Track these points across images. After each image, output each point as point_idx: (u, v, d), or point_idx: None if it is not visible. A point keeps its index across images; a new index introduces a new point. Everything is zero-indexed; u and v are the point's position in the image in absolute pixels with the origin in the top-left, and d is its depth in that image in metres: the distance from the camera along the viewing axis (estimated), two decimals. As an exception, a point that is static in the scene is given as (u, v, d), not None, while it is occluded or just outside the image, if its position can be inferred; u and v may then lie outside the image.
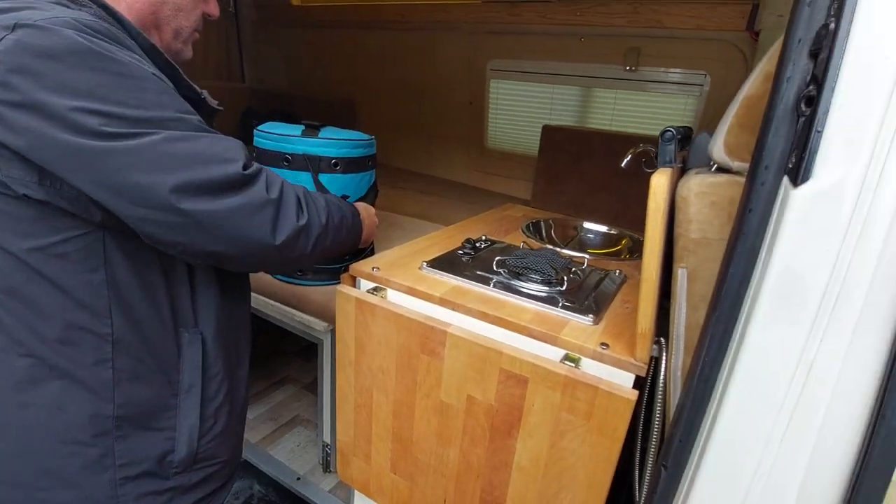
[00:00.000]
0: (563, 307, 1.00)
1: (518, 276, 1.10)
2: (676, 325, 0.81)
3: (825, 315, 0.52)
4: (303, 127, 1.23)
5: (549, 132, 2.02)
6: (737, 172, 0.75)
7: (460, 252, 1.26)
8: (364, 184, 1.29)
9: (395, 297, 1.12)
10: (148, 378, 0.77)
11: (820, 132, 0.50)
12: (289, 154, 1.19)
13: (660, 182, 0.76)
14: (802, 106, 0.52)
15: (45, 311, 0.69)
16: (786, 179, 0.53)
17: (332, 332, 1.30)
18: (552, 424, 0.91)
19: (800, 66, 0.52)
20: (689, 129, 1.09)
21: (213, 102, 0.82)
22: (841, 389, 0.53)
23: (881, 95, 0.47)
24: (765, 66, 0.72)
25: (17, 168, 0.63)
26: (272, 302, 1.47)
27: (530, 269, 1.09)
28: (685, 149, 1.01)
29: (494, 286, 1.08)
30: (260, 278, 1.44)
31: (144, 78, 0.65)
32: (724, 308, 0.59)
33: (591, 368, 0.89)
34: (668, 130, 0.88)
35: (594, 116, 2.14)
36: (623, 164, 1.35)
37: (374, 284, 1.15)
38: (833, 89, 0.49)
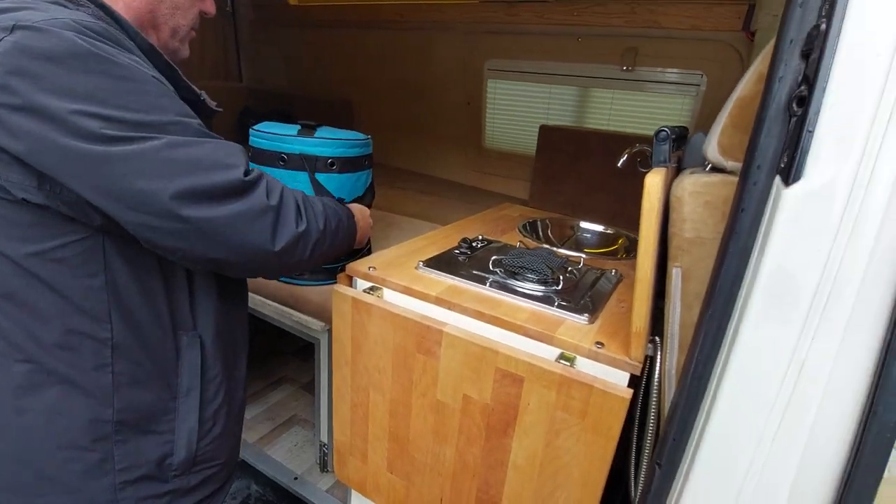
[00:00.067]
0: (559, 306, 1.01)
1: (514, 275, 1.11)
2: (671, 323, 0.82)
3: (817, 313, 0.52)
4: (299, 127, 1.23)
5: (546, 132, 2.02)
6: (731, 172, 0.75)
7: (457, 251, 1.27)
8: (361, 184, 1.29)
9: (391, 297, 1.12)
10: (147, 382, 0.77)
11: (811, 132, 0.50)
12: (285, 154, 1.19)
13: (653, 182, 0.77)
14: (794, 106, 0.52)
15: (43, 316, 0.68)
16: (778, 179, 0.54)
17: (330, 331, 1.30)
18: (547, 423, 0.91)
19: (791, 67, 0.53)
20: (685, 128, 1.09)
21: (212, 104, 0.82)
22: (832, 387, 0.53)
23: (871, 96, 0.47)
24: (758, 67, 0.73)
25: (15, 172, 0.62)
26: (270, 302, 1.47)
27: (526, 269, 1.09)
28: (681, 149, 1.01)
29: (490, 285, 1.08)
30: (257, 278, 1.44)
31: (145, 81, 0.65)
32: (718, 306, 0.59)
33: (587, 367, 0.90)
34: (663, 130, 0.88)
35: (591, 116, 2.14)
36: (619, 164, 1.35)
37: (370, 284, 1.15)
38: (824, 89, 0.49)
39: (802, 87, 0.51)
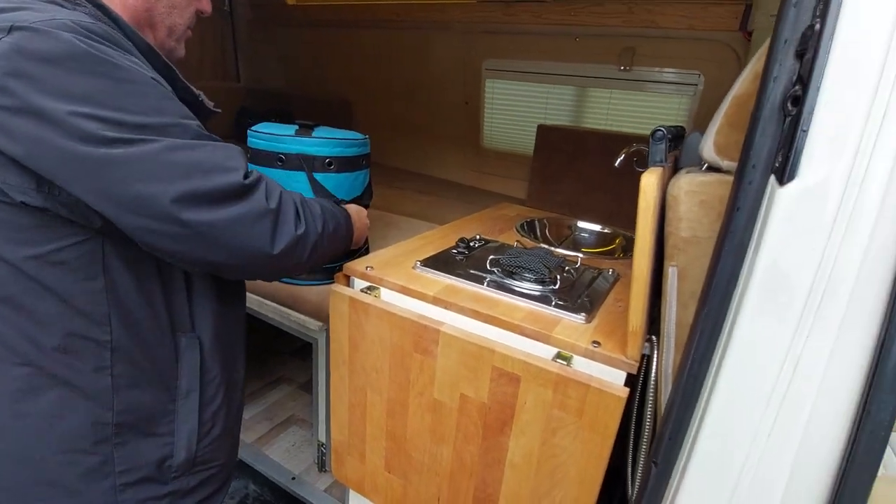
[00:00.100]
0: (556, 306, 1.01)
1: (511, 274, 1.11)
2: (667, 322, 0.82)
3: (811, 312, 0.52)
4: (296, 127, 1.23)
5: (544, 132, 2.02)
6: (726, 171, 0.75)
7: (454, 251, 1.27)
8: (359, 183, 1.29)
9: (388, 297, 1.12)
10: (146, 384, 0.76)
11: (805, 131, 0.50)
12: (283, 154, 1.19)
13: (649, 181, 0.77)
14: (789, 105, 0.52)
15: (43, 320, 0.68)
16: (772, 178, 0.54)
17: (327, 331, 1.30)
18: (544, 422, 0.92)
19: (786, 66, 0.53)
20: (682, 128, 1.10)
21: (210, 104, 0.81)
22: (827, 386, 0.53)
23: (865, 95, 0.48)
24: (754, 66, 0.73)
25: (14, 175, 0.61)
26: (268, 301, 1.47)
27: (524, 268, 1.09)
28: (678, 148, 1.01)
29: (488, 285, 1.08)
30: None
31: (144, 83, 0.64)
32: (713, 305, 0.59)
33: (583, 366, 0.90)
34: (659, 130, 0.89)
35: (589, 116, 2.15)
36: (617, 164, 1.36)
37: (367, 284, 1.15)
38: (818, 89, 0.49)
39: (797, 87, 0.51)
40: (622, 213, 1.71)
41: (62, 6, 0.65)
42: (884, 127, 0.48)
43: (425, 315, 1.04)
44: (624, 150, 1.34)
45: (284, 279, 1.42)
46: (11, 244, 0.65)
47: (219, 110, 0.84)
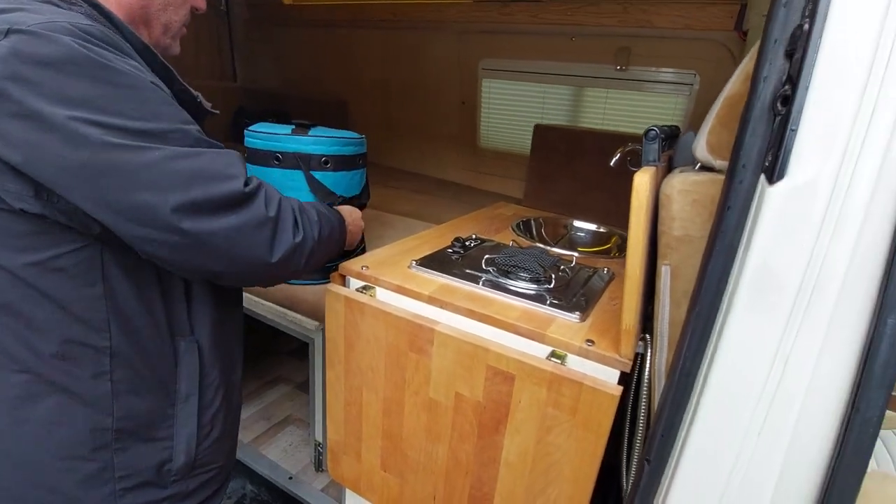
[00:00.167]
0: (551, 305, 1.01)
1: (506, 274, 1.11)
2: (660, 321, 0.82)
3: (800, 310, 0.53)
4: (293, 126, 1.23)
5: (541, 131, 2.02)
6: (719, 171, 0.76)
7: (450, 251, 1.27)
8: (356, 182, 1.29)
9: (384, 296, 1.12)
10: (146, 389, 0.76)
11: (794, 131, 0.50)
12: (279, 153, 1.20)
13: (642, 180, 0.77)
14: (778, 105, 0.53)
15: (41, 327, 0.67)
16: (762, 177, 0.54)
17: (323, 331, 1.30)
18: (538, 420, 0.92)
19: (776, 66, 0.53)
20: (677, 127, 1.10)
21: (208, 105, 0.81)
22: (816, 384, 0.54)
23: (853, 94, 0.48)
24: (746, 66, 0.73)
25: (12, 181, 0.60)
26: (264, 302, 1.47)
27: (519, 268, 1.10)
28: (672, 148, 1.02)
29: (483, 284, 1.08)
30: (251, 277, 1.44)
31: (144, 88, 0.64)
32: (705, 304, 0.60)
33: (577, 365, 0.90)
34: (652, 130, 0.89)
35: (586, 116, 2.15)
36: (612, 163, 1.36)
37: (363, 283, 1.15)
38: (807, 88, 0.50)
39: (786, 87, 0.52)
40: (619, 213, 1.70)
41: (58, 7, 0.64)
42: (872, 126, 0.48)
43: (421, 314, 1.04)
44: (619, 150, 1.34)
45: (281, 279, 1.42)
46: (10, 251, 0.64)
47: (217, 111, 0.83)
